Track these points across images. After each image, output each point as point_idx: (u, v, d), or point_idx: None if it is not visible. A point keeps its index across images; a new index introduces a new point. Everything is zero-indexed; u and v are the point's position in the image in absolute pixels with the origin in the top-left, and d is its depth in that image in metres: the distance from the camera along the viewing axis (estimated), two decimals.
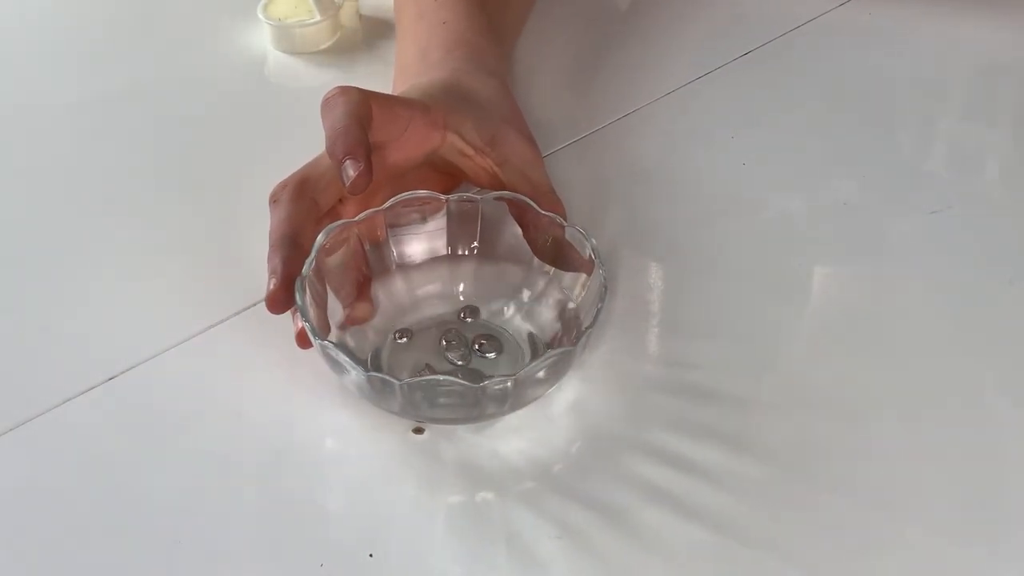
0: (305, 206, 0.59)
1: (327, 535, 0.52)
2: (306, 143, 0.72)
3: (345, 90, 0.59)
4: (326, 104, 0.59)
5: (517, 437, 0.56)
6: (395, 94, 0.62)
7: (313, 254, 0.57)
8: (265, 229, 0.66)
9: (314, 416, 0.58)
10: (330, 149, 0.57)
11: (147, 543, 0.52)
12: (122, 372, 0.59)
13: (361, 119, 0.57)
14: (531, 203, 0.60)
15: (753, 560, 0.51)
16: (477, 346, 0.59)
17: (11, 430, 0.57)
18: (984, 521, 0.52)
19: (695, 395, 0.57)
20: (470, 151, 0.63)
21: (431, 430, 0.56)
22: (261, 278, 0.63)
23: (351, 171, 0.56)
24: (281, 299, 0.55)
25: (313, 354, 0.59)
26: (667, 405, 0.57)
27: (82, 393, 0.58)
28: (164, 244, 0.67)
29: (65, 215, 0.70)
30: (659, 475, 0.54)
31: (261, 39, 0.83)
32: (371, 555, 0.51)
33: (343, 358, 0.53)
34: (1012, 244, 0.65)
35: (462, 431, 0.56)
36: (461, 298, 0.61)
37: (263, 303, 0.62)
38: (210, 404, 0.58)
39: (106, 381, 0.59)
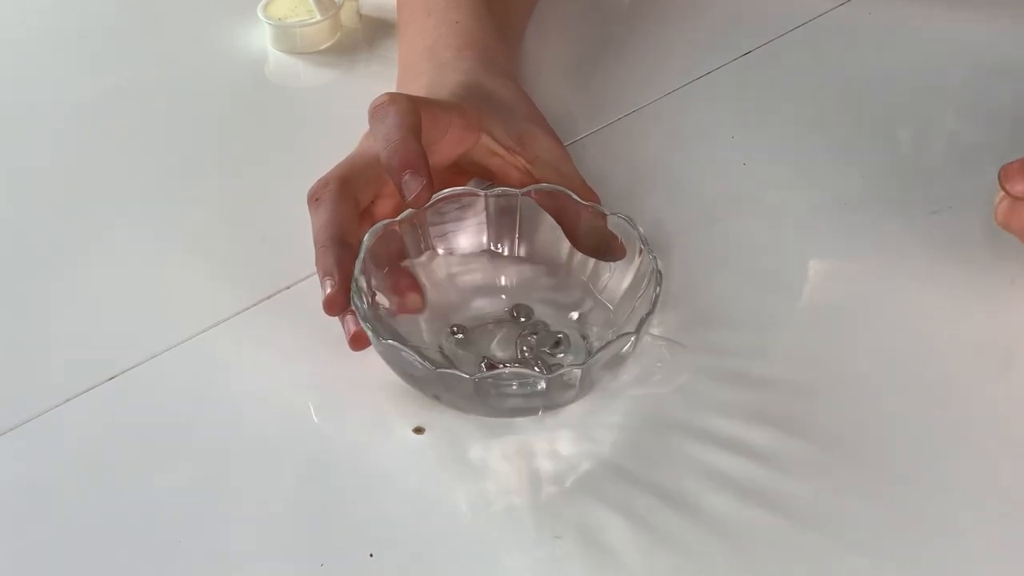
0: (349, 205, 0.59)
1: (327, 535, 0.52)
2: (306, 143, 0.73)
3: (395, 98, 0.58)
4: (376, 113, 0.58)
5: (519, 433, 0.56)
6: (423, 96, 0.61)
7: (362, 255, 0.56)
8: (265, 228, 0.67)
9: (314, 416, 0.58)
10: (387, 162, 0.56)
11: (147, 543, 0.52)
12: (122, 372, 0.59)
13: (414, 129, 0.57)
14: (571, 194, 0.60)
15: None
16: (546, 348, 0.59)
17: (11, 430, 0.57)
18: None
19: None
20: (501, 151, 0.63)
21: (432, 430, 0.56)
22: (261, 277, 0.64)
23: (414, 185, 0.55)
24: (340, 302, 0.55)
25: (314, 353, 0.59)
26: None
27: (82, 393, 0.58)
28: (164, 244, 0.67)
29: (66, 215, 0.70)
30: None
31: (261, 39, 0.83)
32: (371, 555, 0.51)
33: (413, 357, 0.52)
34: (1012, 244, 0.65)
35: (462, 430, 0.56)
36: (503, 296, 0.61)
37: (262, 302, 0.62)
38: (210, 404, 0.58)
39: (106, 381, 0.59)
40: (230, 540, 0.52)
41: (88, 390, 0.59)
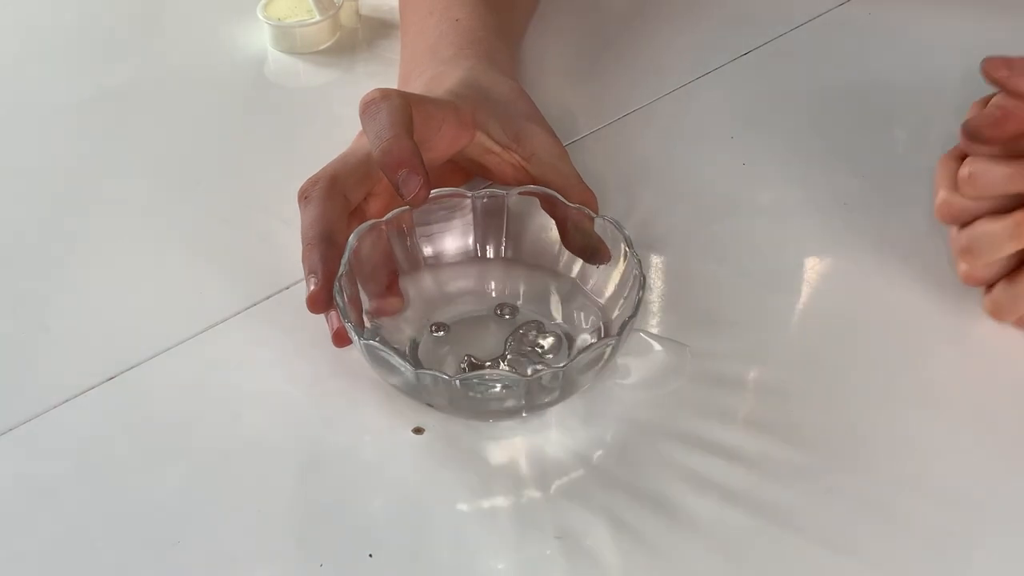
0: (338, 203, 0.58)
1: (327, 535, 0.52)
2: (306, 143, 0.72)
3: (386, 94, 0.58)
4: (367, 109, 0.58)
5: (518, 434, 0.56)
6: (420, 93, 0.61)
7: (347, 255, 0.56)
8: (265, 228, 0.67)
9: (314, 416, 0.58)
10: (381, 160, 0.56)
11: (147, 543, 0.52)
12: (122, 372, 0.59)
13: (407, 125, 0.57)
14: (557, 195, 0.60)
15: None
16: (537, 347, 0.59)
17: (11, 430, 0.57)
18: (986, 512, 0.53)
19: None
20: (497, 148, 0.63)
21: (431, 430, 0.56)
22: (260, 277, 0.64)
23: (412, 184, 0.55)
24: (323, 299, 0.55)
25: (313, 353, 0.59)
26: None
27: (82, 393, 0.58)
28: (164, 244, 0.67)
29: (65, 215, 0.70)
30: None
31: (261, 39, 0.83)
32: (371, 555, 0.51)
33: (395, 359, 0.52)
34: None
35: (462, 431, 0.56)
36: (493, 294, 0.61)
37: (262, 302, 0.62)
38: (210, 404, 0.58)
39: (106, 381, 0.59)
40: (230, 540, 0.52)
41: (88, 390, 0.59)
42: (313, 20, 0.81)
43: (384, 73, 0.76)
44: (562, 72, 0.78)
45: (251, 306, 0.63)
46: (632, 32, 0.82)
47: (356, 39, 0.84)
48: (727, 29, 0.82)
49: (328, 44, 0.82)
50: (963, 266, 0.58)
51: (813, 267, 0.65)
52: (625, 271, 0.58)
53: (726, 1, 0.85)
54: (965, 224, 0.57)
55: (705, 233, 0.66)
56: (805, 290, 0.64)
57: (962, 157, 0.58)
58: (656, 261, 0.65)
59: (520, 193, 0.61)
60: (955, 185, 0.57)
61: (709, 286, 0.63)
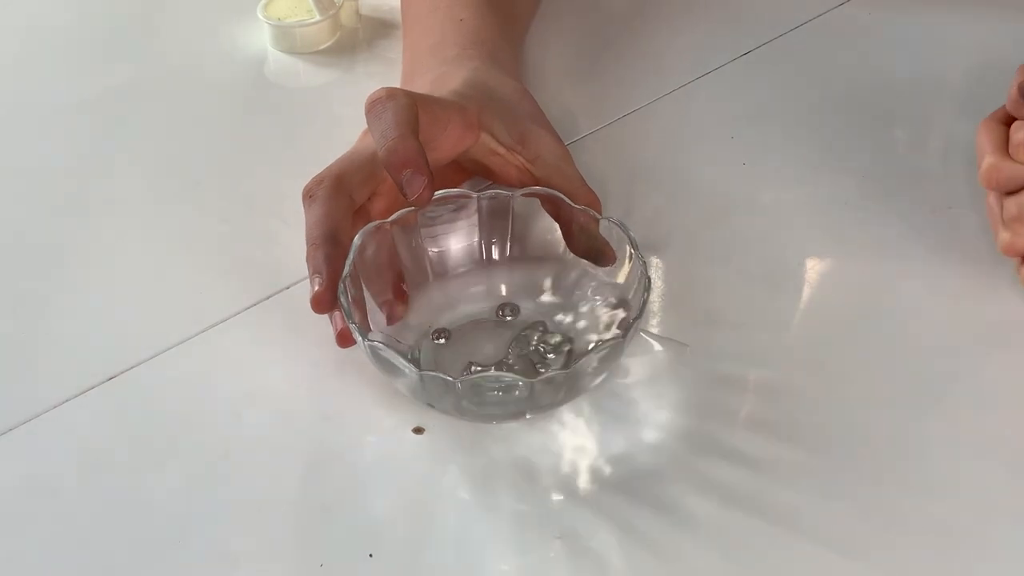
0: (343, 203, 0.58)
1: (327, 535, 0.52)
2: (306, 143, 0.73)
3: (392, 93, 0.57)
4: (373, 108, 0.57)
5: (519, 434, 0.56)
6: (424, 93, 0.61)
7: (352, 255, 0.56)
8: (265, 228, 0.67)
9: (314, 416, 0.58)
10: (386, 160, 0.55)
11: (147, 543, 0.52)
12: (122, 372, 0.60)
13: (412, 125, 0.56)
14: (563, 197, 0.60)
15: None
16: (541, 347, 0.59)
17: (11, 430, 0.57)
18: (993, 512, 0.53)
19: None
20: (501, 150, 0.63)
21: (432, 430, 0.56)
22: (260, 277, 0.64)
23: (416, 184, 0.55)
24: (327, 300, 0.55)
25: (313, 353, 0.59)
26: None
27: (82, 393, 0.58)
28: (164, 244, 0.67)
29: (65, 215, 0.70)
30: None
31: (261, 39, 0.83)
32: (371, 555, 0.51)
33: (398, 360, 0.52)
34: None
35: (464, 430, 0.56)
36: (498, 294, 0.61)
37: (262, 302, 0.62)
38: (209, 404, 0.58)
39: (106, 381, 0.59)
40: (230, 540, 0.52)
41: (88, 390, 0.59)
42: (313, 20, 0.81)
43: (384, 73, 0.75)
44: (562, 72, 0.78)
45: (251, 306, 0.63)
46: (632, 32, 0.82)
47: (356, 39, 0.84)
48: (727, 29, 0.82)
49: (328, 44, 0.82)
50: (1006, 235, 0.57)
51: (813, 267, 0.65)
52: (630, 273, 0.58)
53: (726, 1, 0.85)
54: (1011, 192, 0.56)
55: (705, 233, 0.66)
56: (806, 290, 0.64)
57: (1007, 120, 0.56)
58: (656, 260, 0.65)
59: (526, 194, 0.61)
60: (1004, 149, 0.55)
61: (709, 285, 0.63)
